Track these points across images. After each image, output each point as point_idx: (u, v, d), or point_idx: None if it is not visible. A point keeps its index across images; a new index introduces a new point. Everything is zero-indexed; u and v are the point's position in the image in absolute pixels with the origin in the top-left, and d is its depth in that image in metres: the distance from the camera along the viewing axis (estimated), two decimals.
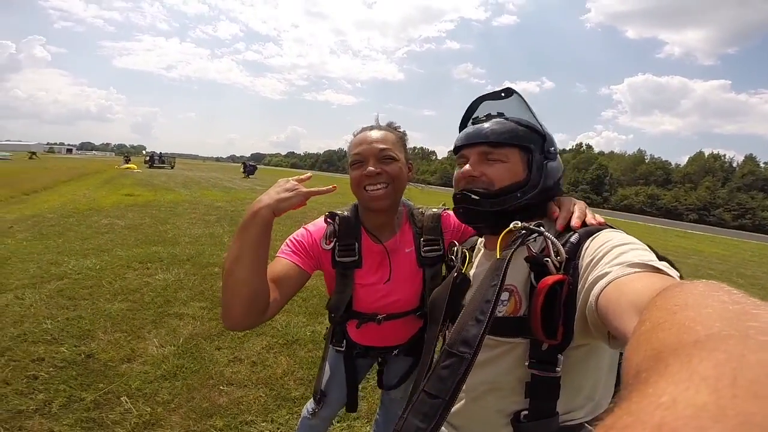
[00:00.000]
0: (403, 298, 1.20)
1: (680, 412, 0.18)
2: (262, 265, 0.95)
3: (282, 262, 1.10)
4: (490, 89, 1.01)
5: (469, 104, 1.02)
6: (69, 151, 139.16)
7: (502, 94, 0.97)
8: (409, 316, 1.22)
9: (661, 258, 0.66)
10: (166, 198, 11.88)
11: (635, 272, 0.57)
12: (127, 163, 33.74)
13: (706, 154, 67.52)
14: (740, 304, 0.29)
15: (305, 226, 1.20)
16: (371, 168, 1.10)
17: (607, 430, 0.20)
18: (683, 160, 73.46)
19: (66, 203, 9.54)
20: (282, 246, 1.15)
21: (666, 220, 45.07)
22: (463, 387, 0.88)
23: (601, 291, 0.59)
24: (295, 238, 1.16)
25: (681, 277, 0.60)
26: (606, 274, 0.61)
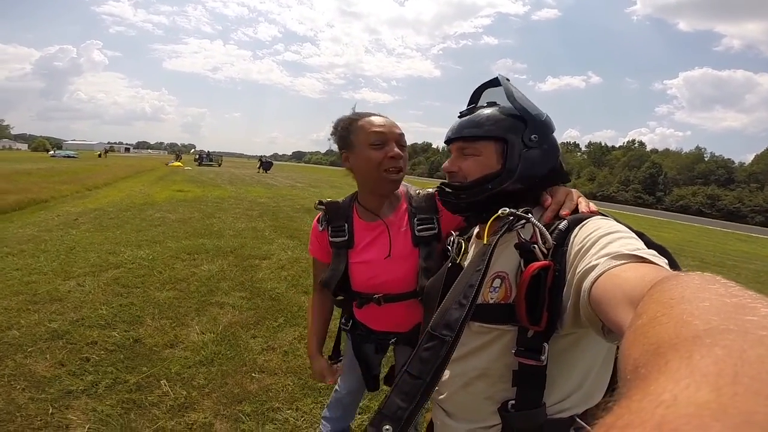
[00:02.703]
0: (399, 277, 1.20)
1: (681, 411, 0.18)
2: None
3: (316, 263, 1.38)
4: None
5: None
6: (127, 150, 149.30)
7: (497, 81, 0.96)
8: (410, 300, 1.21)
9: (651, 245, 0.65)
10: (214, 194, 12.51)
11: (624, 263, 0.57)
12: (178, 160, 35.85)
13: None
14: (737, 297, 0.29)
15: (313, 223, 1.36)
16: (397, 150, 1.13)
17: (608, 429, 0.19)
18: (749, 159, 67.66)
19: (124, 198, 10.28)
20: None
21: (727, 222, 41.67)
22: (454, 373, 0.88)
23: (593, 284, 0.59)
24: (311, 235, 1.36)
25: (674, 266, 0.59)
26: (595, 266, 0.61)
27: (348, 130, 1.19)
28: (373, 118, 1.18)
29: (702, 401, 0.18)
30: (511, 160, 0.87)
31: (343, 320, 1.43)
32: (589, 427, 0.78)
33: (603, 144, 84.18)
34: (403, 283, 1.19)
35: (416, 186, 1.33)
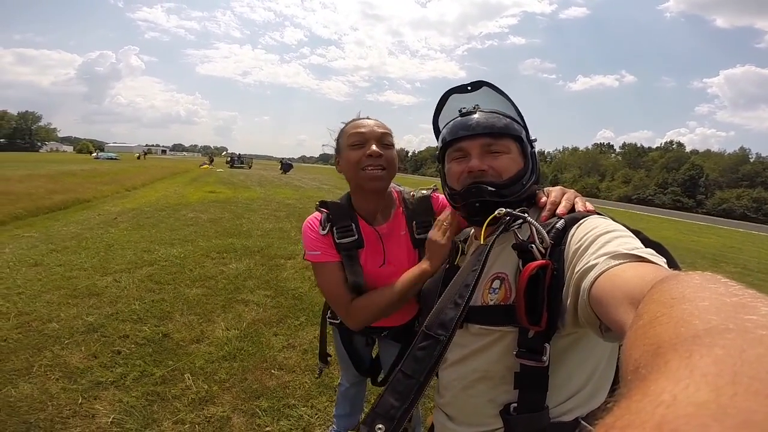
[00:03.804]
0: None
1: (681, 411, 0.18)
2: None
3: (331, 267, 1.18)
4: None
5: (439, 98, 1.00)
6: (164, 152, 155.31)
7: (469, 88, 0.96)
8: None
9: (648, 244, 0.65)
10: (244, 195, 12.87)
11: (623, 263, 0.57)
12: (211, 163, 37.37)
13: None
14: (737, 296, 0.29)
15: (304, 228, 1.24)
16: (375, 148, 1.13)
17: (608, 429, 0.20)
18: None
19: (160, 198, 10.74)
20: (306, 253, 1.21)
21: None
22: (454, 376, 0.88)
23: (593, 284, 0.58)
24: (310, 237, 1.21)
25: (672, 264, 0.59)
26: (594, 265, 0.60)
27: (338, 136, 1.23)
28: (356, 122, 1.20)
29: (701, 401, 0.18)
30: (530, 158, 0.89)
31: (329, 314, 1.40)
32: (593, 429, 0.77)
33: (639, 145, 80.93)
34: None
35: (408, 188, 1.32)
